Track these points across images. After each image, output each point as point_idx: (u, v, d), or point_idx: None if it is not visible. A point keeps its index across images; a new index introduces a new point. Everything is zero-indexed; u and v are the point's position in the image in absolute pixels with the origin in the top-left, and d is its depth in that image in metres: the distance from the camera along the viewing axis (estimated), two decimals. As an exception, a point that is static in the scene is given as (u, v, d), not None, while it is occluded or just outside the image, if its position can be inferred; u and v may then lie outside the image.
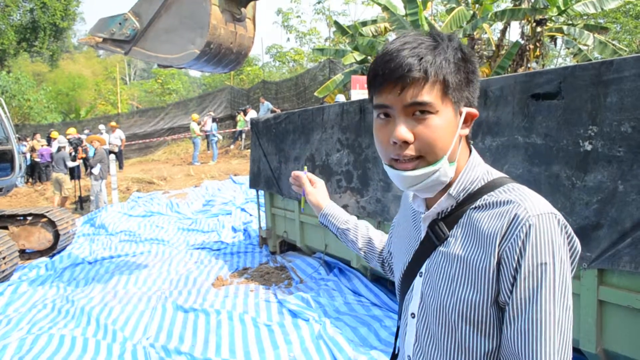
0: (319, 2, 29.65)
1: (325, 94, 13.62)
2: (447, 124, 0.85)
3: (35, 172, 14.89)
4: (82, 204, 10.37)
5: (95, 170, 9.40)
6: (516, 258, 0.79)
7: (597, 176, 2.24)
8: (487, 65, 12.72)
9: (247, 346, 3.40)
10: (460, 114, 0.88)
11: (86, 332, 3.77)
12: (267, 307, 4.10)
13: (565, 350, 0.78)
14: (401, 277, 1.03)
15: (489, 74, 12.05)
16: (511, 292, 0.80)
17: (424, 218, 0.96)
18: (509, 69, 11.90)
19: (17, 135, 7.78)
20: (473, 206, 0.89)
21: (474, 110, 0.90)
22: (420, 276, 0.96)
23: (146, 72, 47.41)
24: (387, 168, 0.90)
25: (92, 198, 9.75)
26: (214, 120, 16.76)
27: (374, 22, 14.44)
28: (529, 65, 11.98)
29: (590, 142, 2.26)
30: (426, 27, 11.49)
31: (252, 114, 15.02)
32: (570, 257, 0.83)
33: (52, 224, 6.31)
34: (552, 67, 6.75)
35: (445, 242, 0.91)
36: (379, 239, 1.33)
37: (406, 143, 0.84)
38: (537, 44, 11.90)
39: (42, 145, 15.31)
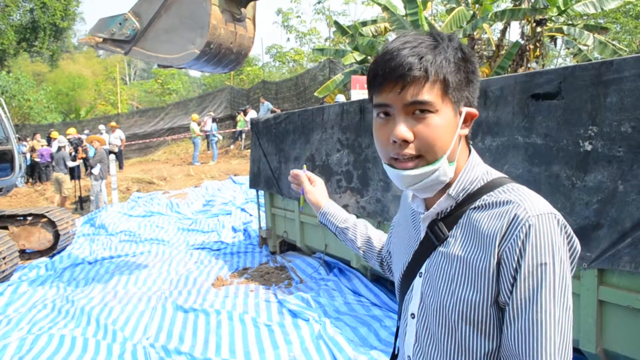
0: (319, 2, 29.66)
1: (325, 94, 13.62)
2: (446, 123, 0.85)
3: (35, 172, 14.89)
4: (82, 204, 10.37)
5: (95, 171, 9.41)
6: (516, 258, 0.79)
7: (597, 176, 2.24)
8: (487, 65, 12.73)
9: (247, 346, 3.40)
10: (460, 114, 0.88)
11: (86, 332, 3.77)
12: (267, 307, 4.10)
13: (565, 350, 0.78)
14: (401, 278, 1.03)
15: (489, 74, 12.05)
16: (511, 292, 0.80)
17: (424, 218, 0.96)
18: (509, 69, 11.90)
19: (17, 135, 7.79)
20: (473, 206, 0.89)
21: (473, 110, 0.90)
22: (420, 276, 0.96)
23: (146, 72, 47.42)
24: (386, 167, 0.90)
25: (92, 198, 9.75)
26: (214, 120, 16.77)
27: (374, 22, 14.44)
28: (529, 65, 11.99)
29: (590, 142, 2.26)
30: (426, 27, 11.49)
31: (252, 114, 15.02)
32: (570, 257, 0.83)
33: (52, 224, 6.31)
34: (552, 67, 6.76)
35: (444, 243, 0.91)
36: (378, 238, 1.34)
37: (406, 142, 0.84)
38: (537, 44, 11.90)
39: (42, 146, 15.31)
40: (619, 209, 2.16)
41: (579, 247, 0.84)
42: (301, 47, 30.84)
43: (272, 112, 13.62)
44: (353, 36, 14.35)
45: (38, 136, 16.84)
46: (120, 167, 14.87)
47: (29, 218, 6.38)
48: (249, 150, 6.83)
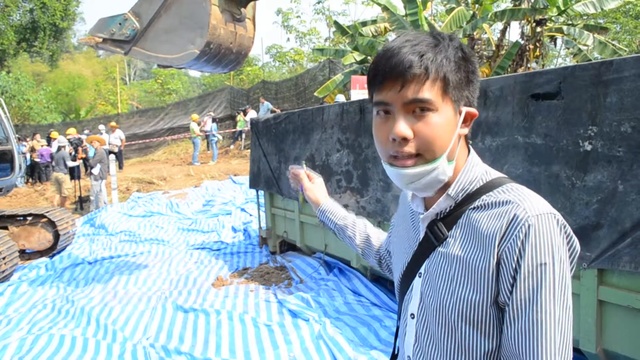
0: (318, 2, 29.65)
1: (325, 94, 13.62)
2: (446, 122, 0.85)
3: (35, 172, 14.88)
4: (82, 204, 10.37)
5: (95, 171, 9.41)
6: (515, 258, 0.79)
7: (597, 176, 2.24)
8: (487, 65, 12.72)
9: (247, 346, 3.40)
10: (460, 113, 0.88)
11: (86, 332, 3.77)
12: (267, 307, 4.10)
13: (565, 350, 0.78)
14: (400, 278, 1.03)
15: (488, 74, 12.05)
16: (511, 292, 0.80)
17: (423, 219, 0.96)
18: (509, 69, 11.90)
19: (17, 136, 7.79)
20: (472, 206, 0.89)
21: (473, 110, 0.90)
22: (420, 277, 0.96)
23: (146, 72, 47.42)
24: (385, 166, 0.90)
25: (92, 198, 9.75)
26: (213, 120, 16.76)
27: (374, 22, 14.44)
28: (528, 65, 11.99)
29: (590, 142, 2.26)
30: (426, 27, 11.49)
31: (252, 114, 15.02)
32: (570, 257, 0.83)
33: (52, 224, 6.31)
34: (552, 67, 6.76)
35: (444, 243, 0.91)
36: (377, 236, 1.34)
37: (405, 140, 0.84)
38: (537, 44, 11.90)
39: (42, 146, 15.31)
40: (619, 209, 2.16)
41: (578, 247, 0.84)
42: (301, 47, 30.85)
43: (272, 112, 13.62)
44: (353, 36, 14.35)
45: (38, 136, 16.84)
46: (120, 167, 14.87)
47: (29, 218, 6.38)
48: (249, 150, 6.83)
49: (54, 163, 10.37)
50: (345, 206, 4.09)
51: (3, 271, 5.16)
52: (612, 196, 2.18)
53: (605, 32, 13.70)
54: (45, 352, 3.42)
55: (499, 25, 14.21)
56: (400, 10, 12.84)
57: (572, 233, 0.83)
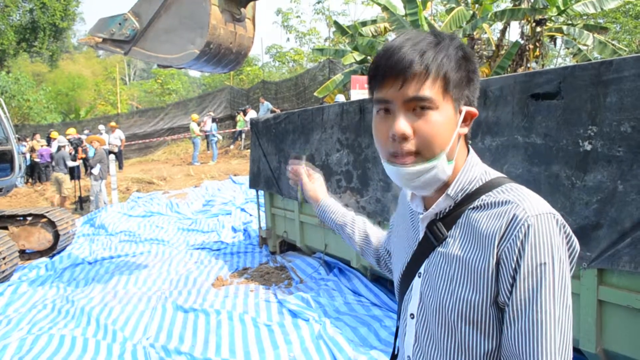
0: (318, 2, 29.65)
1: (325, 94, 13.62)
2: (446, 120, 0.85)
3: (35, 172, 14.88)
4: (82, 204, 10.37)
5: (95, 171, 9.41)
6: (515, 258, 0.79)
7: (597, 176, 2.24)
8: (486, 65, 12.73)
9: (247, 346, 3.40)
10: (460, 112, 0.88)
11: (86, 332, 3.77)
12: (267, 307, 4.10)
13: (565, 350, 0.78)
14: (400, 278, 1.03)
15: (488, 74, 12.06)
16: (511, 292, 0.80)
17: (422, 219, 0.96)
18: (509, 69, 11.90)
19: (16, 136, 7.78)
20: (471, 206, 0.89)
21: (473, 110, 0.90)
22: (419, 277, 0.96)
23: (146, 72, 47.42)
24: (385, 164, 0.90)
25: (91, 198, 9.75)
26: (213, 120, 16.77)
27: (374, 22, 14.45)
28: (528, 65, 11.99)
29: (590, 142, 2.26)
30: (426, 27, 11.49)
31: (251, 114, 15.02)
32: (569, 256, 0.83)
33: (52, 224, 6.30)
34: (552, 67, 6.75)
35: (443, 243, 0.91)
36: (376, 235, 1.34)
37: (405, 138, 0.84)
38: (537, 44, 11.90)
39: (41, 146, 15.31)
40: (619, 208, 2.16)
41: (578, 247, 0.84)
42: (301, 47, 30.86)
43: (272, 112, 13.62)
44: (353, 36, 14.35)
45: (38, 136, 16.84)
46: (120, 167, 14.87)
47: (29, 218, 6.38)
48: (249, 150, 6.83)
49: (54, 163, 10.37)
50: (345, 206, 4.08)
51: (3, 271, 5.16)
52: (612, 196, 2.18)
53: (605, 32, 13.71)
54: (45, 352, 3.42)
55: (499, 25, 14.22)
56: (400, 10, 12.84)
57: (571, 233, 0.83)
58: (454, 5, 12.51)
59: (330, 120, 4.30)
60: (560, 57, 23.33)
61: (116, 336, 3.66)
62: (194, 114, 17.28)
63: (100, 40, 4.29)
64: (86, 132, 18.51)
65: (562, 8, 11.71)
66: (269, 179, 5.43)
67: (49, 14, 32.53)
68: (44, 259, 6.18)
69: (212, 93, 23.93)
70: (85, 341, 3.55)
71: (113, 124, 16.94)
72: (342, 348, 3.18)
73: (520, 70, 11.83)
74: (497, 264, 0.81)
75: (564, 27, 12.57)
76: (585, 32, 11.88)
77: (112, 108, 32.28)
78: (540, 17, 11.57)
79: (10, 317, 4.25)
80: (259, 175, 5.66)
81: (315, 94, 14.14)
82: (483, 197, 0.88)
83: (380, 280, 4.30)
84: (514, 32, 62.37)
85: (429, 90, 0.82)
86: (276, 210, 5.58)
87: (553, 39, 13.38)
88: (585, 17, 14.98)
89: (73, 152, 10.34)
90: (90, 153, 10.71)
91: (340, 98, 12.12)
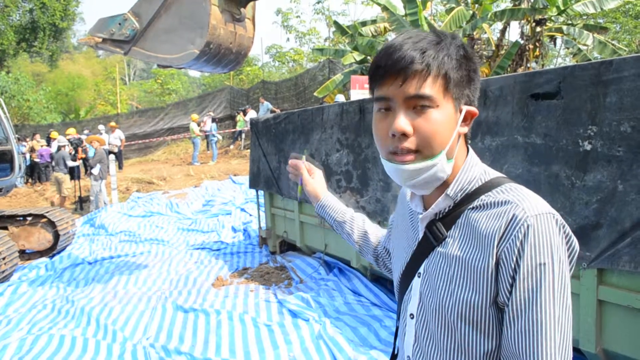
0: (318, 2, 29.65)
1: (325, 94, 13.62)
2: (447, 119, 0.85)
3: (35, 172, 14.88)
4: (82, 204, 10.38)
5: (95, 171, 9.41)
6: (515, 259, 0.79)
7: (597, 176, 2.24)
8: (486, 65, 12.73)
9: (247, 346, 3.40)
10: (461, 112, 0.88)
11: (86, 332, 3.77)
12: (267, 307, 4.10)
13: (565, 350, 0.78)
14: (400, 278, 1.03)
15: (488, 73, 12.06)
16: (510, 292, 0.80)
17: (422, 219, 0.96)
18: (509, 69, 11.90)
19: (16, 136, 7.78)
20: (471, 206, 0.89)
21: (473, 109, 0.90)
22: (419, 277, 0.96)
23: (146, 72, 47.42)
24: (384, 162, 0.90)
25: (91, 198, 9.75)
26: (213, 120, 16.77)
27: (374, 22, 14.45)
28: (528, 65, 11.99)
29: (590, 142, 2.26)
30: (426, 27, 11.49)
31: (251, 114, 15.03)
32: (569, 256, 0.83)
33: (51, 224, 6.30)
34: (552, 67, 6.75)
35: (443, 243, 0.91)
36: (375, 233, 1.34)
37: (405, 135, 0.84)
38: (537, 44, 11.90)
39: (41, 146, 15.31)
40: (619, 208, 2.16)
41: (577, 247, 0.84)
42: (301, 47, 30.86)
43: (272, 112, 13.62)
44: (353, 36, 14.35)
45: (37, 136, 16.84)
46: (120, 167, 14.87)
47: (29, 218, 6.38)
48: (249, 150, 6.83)
49: (53, 163, 10.37)
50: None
51: (3, 271, 5.16)
52: (611, 196, 2.18)
53: (605, 32, 13.71)
54: (45, 352, 3.42)
55: (499, 25, 14.22)
56: (400, 10, 12.84)
57: (571, 233, 0.83)
58: (453, 5, 12.52)
59: (330, 120, 4.30)
60: (560, 57, 23.34)
61: (116, 336, 3.66)
62: (194, 114, 17.28)
63: (100, 40, 4.29)
64: (86, 132, 18.51)
65: (562, 8, 11.72)
66: (268, 179, 5.43)
67: (49, 14, 32.53)
68: (44, 259, 6.18)
69: (212, 93, 23.94)
70: (85, 341, 3.55)
71: (113, 124, 16.94)
72: (342, 348, 3.18)
73: (520, 70, 11.84)
74: (497, 264, 0.81)
75: (564, 27, 12.58)
76: (585, 32, 11.89)
77: (112, 108, 32.27)
78: (540, 17, 11.57)
79: (10, 317, 4.25)
80: (258, 175, 5.66)
81: (315, 94, 14.15)
82: (482, 197, 0.88)
83: (380, 280, 4.30)
84: (514, 32, 62.42)
85: (430, 88, 0.82)
86: (276, 210, 5.58)
87: (553, 39, 13.39)
88: (585, 17, 14.98)
89: (73, 152, 10.34)
90: (90, 153, 10.71)
91: (340, 98, 12.13)
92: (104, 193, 9.72)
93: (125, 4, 5.42)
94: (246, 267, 5.39)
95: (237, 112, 17.89)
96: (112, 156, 10.08)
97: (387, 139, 0.86)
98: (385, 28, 14.01)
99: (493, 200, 0.86)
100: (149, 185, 12.01)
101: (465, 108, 0.88)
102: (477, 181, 0.91)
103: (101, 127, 17.34)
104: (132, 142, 19.51)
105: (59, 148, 10.26)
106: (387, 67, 0.84)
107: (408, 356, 0.99)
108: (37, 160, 14.64)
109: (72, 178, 10.23)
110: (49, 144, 15.30)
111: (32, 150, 15.23)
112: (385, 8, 12.56)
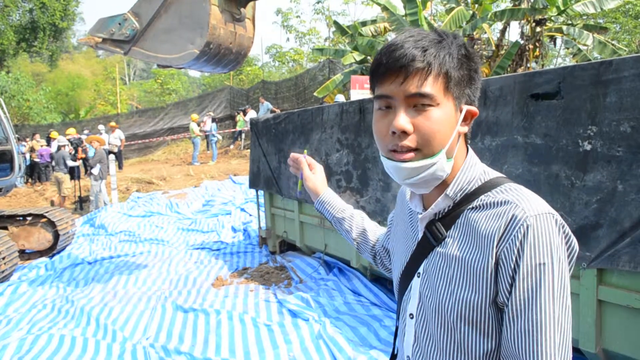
0: (318, 2, 29.66)
1: (325, 94, 13.62)
2: (447, 118, 0.85)
3: (35, 172, 14.88)
4: (81, 204, 10.38)
5: (95, 171, 9.41)
6: (514, 259, 0.79)
7: (597, 176, 2.24)
8: (486, 65, 12.73)
9: (247, 346, 3.40)
10: (461, 111, 0.88)
11: (86, 332, 3.77)
12: (267, 307, 4.10)
13: (565, 350, 0.78)
14: (399, 278, 1.03)
15: (488, 74, 12.06)
16: (510, 292, 0.80)
17: (421, 219, 0.96)
18: (509, 69, 11.91)
19: (16, 136, 7.78)
20: (470, 206, 0.89)
21: (474, 109, 0.90)
22: (418, 277, 0.96)
23: (146, 72, 47.42)
24: (384, 160, 0.90)
25: (91, 198, 9.75)
26: (213, 120, 16.77)
27: (374, 22, 14.45)
28: (528, 65, 12.00)
29: (590, 142, 2.26)
30: (426, 27, 11.48)
31: (251, 114, 15.02)
32: (568, 256, 0.83)
33: (51, 224, 6.30)
34: (552, 67, 6.75)
35: (442, 243, 0.91)
36: (374, 231, 1.34)
37: (405, 133, 0.84)
38: (537, 44, 11.91)
39: (41, 146, 15.31)
40: (618, 208, 2.16)
41: (577, 247, 0.84)
42: (301, 47, 30.87)
43: (272, 112, 13.62)
44: (352, 36, 14.36)
45: (37, 136, 16.84)
46: (120, 167, 14.87)
47: (29, 218, 6.38)
48: (249, 150, 6.83)
49: (53, 163, 10.37)
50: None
51: (3, 271, 5.16)
52: (611, 196, 2.18)
53: (604, 32, 13.71)
54: (45, 352, 3.42)
55: (499, 25, 14.23)
56: (400, 10, 12.85)
57: (570, 233, 0.83)
58: (453, 5, 12.52)
59: (330, 120, 4.30)
60: (560, 57, 23.35)
61: (116, 336, 3.66)
62: (194, 114, 17.27)
63: (100, 40, 4.29)
64: (86, 132, 18.50)
65: (562, 8, 11.72)
66: (268, 179, 5.43)
67: (49, 14, 32.55)
68: (44, 259, 6.18)
69: (212, 93, 23.93)
70: (85, 341, 3.55)
71: (113, 124, 16.93)
72: (341, 348, 3.18)
73: (520, 70, 11.84)
74: (496, 264, 0.81)
75: (564, 27, 12.58)
76: (585, 32, 11.89)
77: (112, 108, 32.26)
78: (540, 17, 11.57)
79: (10, 317, 4.25)
80: (258, 175, 5.66)
81: (315, 94, 14.15)
82: (482, 197, 0.88)
83: (380, 280, 4.30)
84: (514, 32, 62.44)
85: (431, 87, 0.83)
86: (276, 210, 5.58)
87: (553, 39, 13.39)
88: (585, 17, 14.99)
89: (73, 152, 10.34)
90: (90, 153, 10.71)
91: (340, 98, 12.12)
92: (104, 193, 9.72)
93: (125, 4, 5.42)
94: (246, 267, 5.39)
95: (237, 112, 17.88)
96: (112, 156, 10.09)
97: (387, 136, 0.86)
98: (385, 28, 14.01)
99: (493, 201, 0.86)
100: (148, 185, 12.01)
101: (465, 107, 0.88)
102: (476, 181, 0.91)
103: (101, 127, 17.35)
104: (132, 142, 19.51)
105: (59, 148, 10.27)
106: (388, 65, 0.84)
107: (408, 356, 0.99)
108: (37, 160, 14.65)
109: (72, 178, 10.23)
110: (49, 144, 15.30)
111: (32, 150, 15.23)
112: (385, 8, 12.56)
